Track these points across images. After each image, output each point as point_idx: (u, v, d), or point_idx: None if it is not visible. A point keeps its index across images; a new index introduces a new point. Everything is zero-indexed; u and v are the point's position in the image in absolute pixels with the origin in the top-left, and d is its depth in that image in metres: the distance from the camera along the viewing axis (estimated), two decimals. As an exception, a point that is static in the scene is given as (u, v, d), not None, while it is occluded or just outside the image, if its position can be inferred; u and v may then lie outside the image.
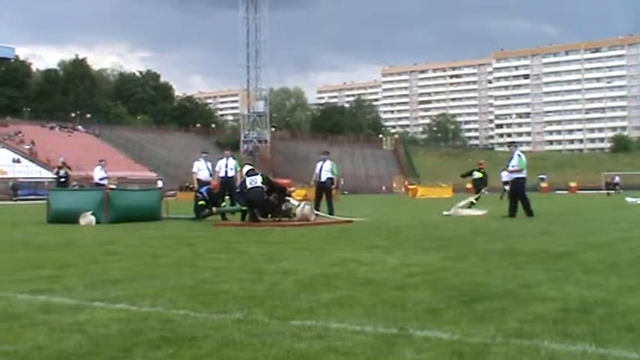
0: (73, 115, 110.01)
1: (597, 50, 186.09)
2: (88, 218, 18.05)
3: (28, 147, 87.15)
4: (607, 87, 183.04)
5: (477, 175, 29.09)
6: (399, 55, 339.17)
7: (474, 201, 24.04)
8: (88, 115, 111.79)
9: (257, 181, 17.32)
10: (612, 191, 33.68)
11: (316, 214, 18.41)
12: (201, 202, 20.43)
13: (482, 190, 26.83)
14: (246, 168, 18.53)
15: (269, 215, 17.64)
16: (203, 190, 20.76)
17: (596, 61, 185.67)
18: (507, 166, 21.01)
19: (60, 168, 29.56)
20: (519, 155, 20.12)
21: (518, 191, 19.94)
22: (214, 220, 19.27)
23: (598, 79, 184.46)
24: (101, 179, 26.37)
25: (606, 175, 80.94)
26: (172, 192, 57.90)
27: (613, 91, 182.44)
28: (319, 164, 22.21)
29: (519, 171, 19.96)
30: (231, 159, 22.00)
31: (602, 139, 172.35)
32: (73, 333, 4.52)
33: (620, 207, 28.17)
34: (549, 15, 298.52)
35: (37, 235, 14.23)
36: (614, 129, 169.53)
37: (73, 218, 17.93)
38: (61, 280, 6.99)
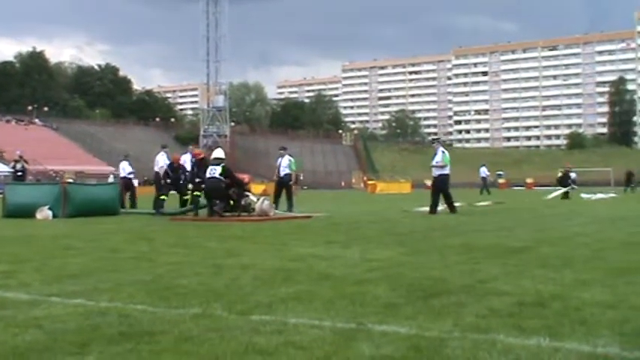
0: (29, 108, 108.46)
1: (554, 48, 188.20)
2: (44, 212, 17.84)
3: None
4: (563, 85, 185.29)
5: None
6: (360, 50, 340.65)
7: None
8: (46, 109, 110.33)
9: (216, 171, 17.13)
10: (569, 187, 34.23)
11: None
12: (162, 197, 20.36)
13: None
14: (216, 153, 18.22)
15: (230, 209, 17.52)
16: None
17: (553, 59, 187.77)
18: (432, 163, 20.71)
19: (17, 162, 29.16)
20: (443, 152, 19.98)
21: (441, 187, 19.74)
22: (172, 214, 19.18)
23: (555, 77, 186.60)
24: (129, 174, 25.49)
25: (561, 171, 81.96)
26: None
27: (569, 88, 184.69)
28: (278, 160, 22.20)
29: (443, 167, 19.80)
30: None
31: (558, 136, 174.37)
32: (29, 328, 4.48)
33: (576, 203, 28.56)
34: (509, 12, 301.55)
35: (-8, 230, 14.03)
36: (569, 126, 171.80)
37: (29, 212, 17.70)
38: (17, 275, 6.91)
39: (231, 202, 17.41)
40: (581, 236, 11.56)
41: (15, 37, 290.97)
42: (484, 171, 49.09)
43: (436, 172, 20.01)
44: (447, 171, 19.89)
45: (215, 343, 4.07)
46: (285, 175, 21.73)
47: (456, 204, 19.74)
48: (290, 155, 22.47)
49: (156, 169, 22.25)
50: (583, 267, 7.40)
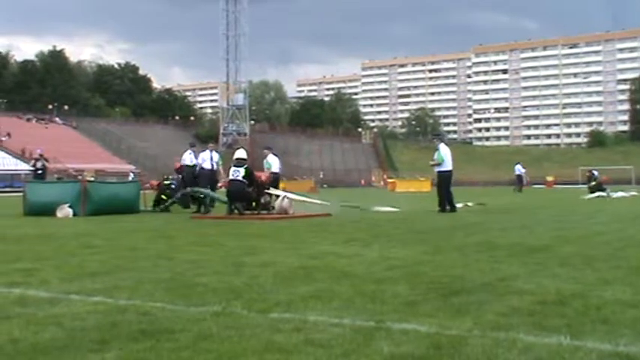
0: (50, 106, 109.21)
1: (575, 46, 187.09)
2: (65, 210, 17.93)
3: (4, 139, 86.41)
4: (584, 82, 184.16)
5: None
6: (379, 48, 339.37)
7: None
8: (66, 107, 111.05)
9: (240, 173, 17.17)
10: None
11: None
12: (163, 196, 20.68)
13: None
14: (238, 153, 18.20)
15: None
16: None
17: (574, 57, 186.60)
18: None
19: (37, 160, 29.36)
20: (438, 148, 19.89)
21: (438, 184, 19.76)
22: (192, 212, 19.25)
23: (575, 75, 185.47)
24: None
25: (583, 170, 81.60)
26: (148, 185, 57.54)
27: (589, 86, 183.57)
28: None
29: (438, 164, 19.74)
30: (215, 152, 22.18)
31: (578, 134, 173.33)
32: (48, 326, 4.49)
33: (597, 201, 28.36)
34: (529, 10, 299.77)
35: (13, 228, 14.11)
36: (590, 124, 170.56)
37: (49, 211, 17.81)
38: (38, 273, 6.94)
39: (253, 203, 17.44)
40: (603, 235, 11.48)
41: (36, 36, 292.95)
42: (519, 168, 48.84)
43: (435, 170, 20.09)
44: (444, 167, 19.76)
45: (234, 341, 4.07)
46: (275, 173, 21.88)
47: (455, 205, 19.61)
48: (275, 154, 22.61)
49: (187, 163, 22.46)
50: (604, 265, 7.34)
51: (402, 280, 6.30)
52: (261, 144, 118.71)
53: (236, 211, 17.15)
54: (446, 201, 19.26)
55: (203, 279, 6.47)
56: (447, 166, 19.81)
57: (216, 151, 22.47)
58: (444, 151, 19.86)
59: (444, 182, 19.68)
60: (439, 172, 19.83)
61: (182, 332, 4.29)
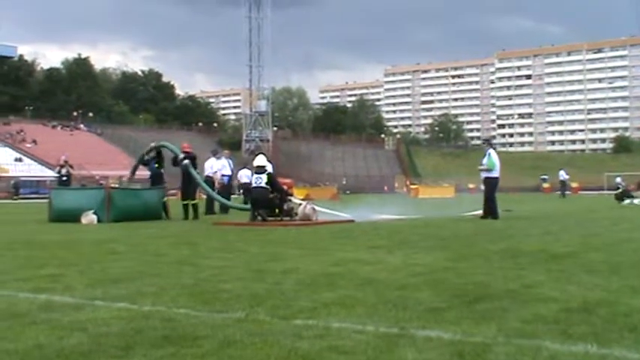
0: (75, 114, 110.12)
1: (599, 51, 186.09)
2: (89, 217, 18.05)
3: (29, 145, 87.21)
4: (609, 87, 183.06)
5: None
6: (402, 54, 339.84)
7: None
8: (90, 114, 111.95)
9: (262, 180, 17.23)
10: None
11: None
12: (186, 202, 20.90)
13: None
14: (258, 160, 18.20)
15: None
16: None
17: (599, 62, 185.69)
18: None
19: (62, 167, 29.50)
20: (489, 154, 19.47)
21: (485, 190, 19.34)
22: (215, 219, 19.31)
23: (600, 80, 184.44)
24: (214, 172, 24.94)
25: (609, 176, 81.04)
26: (174, 191, 57.82)
27: (615, 91, 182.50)
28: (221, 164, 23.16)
29: (488, 170, 19.34)
30: (230, 159, 22.74)
31: (603, 140, 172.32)
32: (73, 331, 4.52)
33: (623, 208, 28.13)
34: (553, 14, 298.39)
35: (39, 234, 14.22)
36: (615, 129, 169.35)
37: (74, 217, 17.93)
38: (62, 279, 6.98)
39: (276, 210, 17.44)
40: (629, 242, 11.37)
41: (61, 44, 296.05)
42: (563, 174, 48.69)
43: (482, 175, 19.67)
44: (493, 174, 19.37)
45: (258, 347, 4.07)
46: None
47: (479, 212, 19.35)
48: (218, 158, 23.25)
49: (209, 173, 22.75)
50: (631, 273, 7.27)
51: (426, 287, 6.27)
52: (285, 151, 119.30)
53: (259, 218, 17.17)
54: (489, 207, 18.86)
55: (226, 285, 6.48)
56: (496, 172, 19.47)
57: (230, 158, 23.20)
58: (495, 158, 19.52)
59: (487, 188, 19.30)
60: (487, 178, 19.40)
61: (206, 338, 4.29)
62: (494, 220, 18.20)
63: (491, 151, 19.74)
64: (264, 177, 17.27)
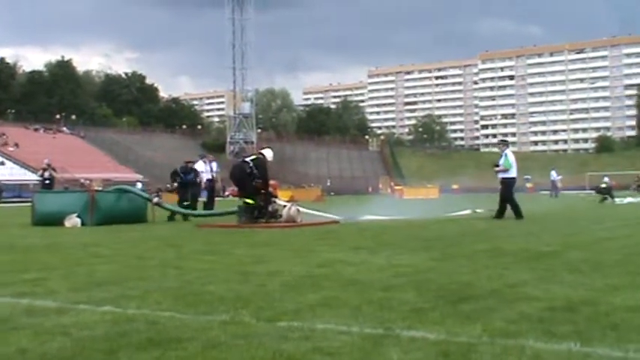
0: (57, 116, 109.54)
1: (581, 51, 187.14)
2: (73, 220, 17.95)
3: (12, 149, 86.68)
4: (590, 88, 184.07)
5: None
6: (386, 56, 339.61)
7: None
8: (73, 117, 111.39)
9: (249, 158, 17.43)
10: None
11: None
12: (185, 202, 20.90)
13: None
14: (263, 151, 18.32)
15: (256, 213, 17.36)
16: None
17: (580, 62, 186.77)
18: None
19: (45, 170, 29.40)
20: (505, 154, 19.31)
21: (501, 191, 19.14)
22: (199, 221, 19.26)
23: (582, 80, 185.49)
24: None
25: (591, 176, 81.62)
26: (158, 194, 57.68)
27: (596, 91, 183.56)
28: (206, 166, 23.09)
29: (505, 171, 19.19)
30: (213, 162, 22.84)
31: (585, 140, 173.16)
32: (57, 336, 4.49)
33: (605, 207, 28.31)
34: (535, 16, 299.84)
35: (22, 238, 14.12)
36: (597, 129, 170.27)
37: (58, 220, 17.83)
38: (45, 283, 6.94)
39: (256, 212, 17.30)
40: (611, 240, 11.45)
41: (44, 46, 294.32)
42: (553, 174, 48.76)
43: (498, 176, 19.47)
44: (510, 174, 19.21)
45: (243, 349, 4.07)
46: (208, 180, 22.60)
47: (463, 212, 19.30)
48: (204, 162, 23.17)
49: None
50: (613, 271, 7.32)
51: (410, 288, 6.29)
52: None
53: (242, 218, 17.10)
54: (512, 207, 18.69)
55: (211, 287, 6.46)
56: (513, 173, 19.34)
57: (214, 162, 23.33)
58: (512, 158, 19.36)
59: (504, 188, 19.14)
60: (504, 178, 19.20)
61: (190, 341, 4.29)
62: (520, 219, 17.98)
63: (507, 151, 19.53)
64: (252, 157, 17.46)
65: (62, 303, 5.74)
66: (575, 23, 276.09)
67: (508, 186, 19.20)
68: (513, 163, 19.35)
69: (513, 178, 19.44)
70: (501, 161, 19.35)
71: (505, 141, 21.12)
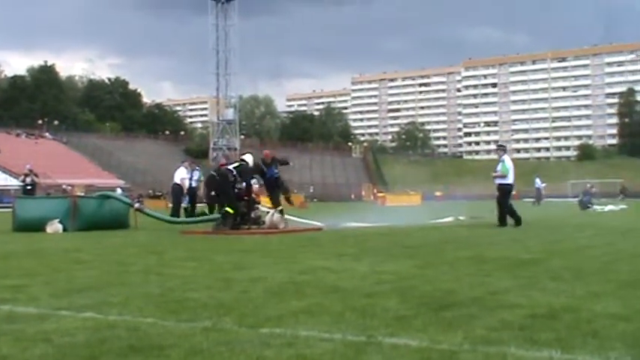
0: (40, 122, 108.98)
1: (564, 60, 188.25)
2: (54, 226, 17.86)
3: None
4: (573, 96, 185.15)
5: None
6: (369, 63, 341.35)
7: None
8: (56, 122, 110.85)
9: (232, 166, 17.52)
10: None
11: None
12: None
13: None
14: (244, 156, 18.46)
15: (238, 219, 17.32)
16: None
17: (563, 71, 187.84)
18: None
19: (26, 175, 29.19)
20: (503, 160, 19.27)
21: (498, 197, 19.07)
22: (182, 227, 19.20)
23: (564, 88, 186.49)
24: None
25: (573, 184, 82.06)
26: (140, 199, 57.52)
27: (579, 100, 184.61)
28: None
29: (502, 177, 19.11)
30: (195, 170, 22.96)
31: (568, 148, 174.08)
32: (38, 342, 4.47)
33: (586, 215, 28.47)
34: (518, 24, 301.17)
35: (2, 244, 14.05)
36: (579, 137, 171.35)
37: (39, 226, 17.73)
38: (26, 290, 6.90)
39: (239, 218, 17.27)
40: (592, 248, 11.51)
41: (26, 51, 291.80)
42: (538, 182, 48.94)
43: (496, 182, 19.42)
44: (507, 180, 19.13)
45: (225, 356, 4.06)
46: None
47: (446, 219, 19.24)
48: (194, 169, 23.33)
49: (177, 181, 22.72)
50: (594, 279, 7.36)
51: (393, 295, 6.29)
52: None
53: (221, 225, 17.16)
54: (507, 214, 18.69)
55: (193, 294, 6.45)
56: (510, 179, 19.27)
57: (196, 169, 23.34)
58: (509, 164, 19.33)
59: (500, 194, 19.08)
60: (501, 184, 19.14)
61: (172, 348, 4.27)
62: (518, 225, 18.09)
63: (505, 157, 19.51)
64: (236, 164, 17.71)
65: (43, 309, 5.71)
66: (558, 32, 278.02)
67: (505, 192, 19.16)
68: (511, 169, 19.32)
69: (510, 185, 19.40)
70: (499, 167, 19.30)
71: (503, 147, 20.98)
